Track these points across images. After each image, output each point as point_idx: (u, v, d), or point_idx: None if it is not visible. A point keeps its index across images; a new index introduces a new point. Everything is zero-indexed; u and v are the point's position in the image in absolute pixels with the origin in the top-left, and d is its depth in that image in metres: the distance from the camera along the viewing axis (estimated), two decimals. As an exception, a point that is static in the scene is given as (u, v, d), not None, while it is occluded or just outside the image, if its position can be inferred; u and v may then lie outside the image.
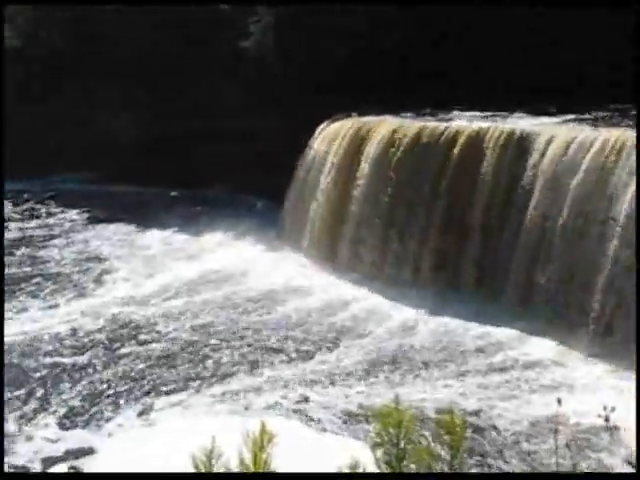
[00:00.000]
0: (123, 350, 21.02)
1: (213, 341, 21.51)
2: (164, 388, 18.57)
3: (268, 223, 31.28)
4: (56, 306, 24.95)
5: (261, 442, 2.18)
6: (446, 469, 2.39)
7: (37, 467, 15.37)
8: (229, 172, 36.00)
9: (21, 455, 15.80)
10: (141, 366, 19.90)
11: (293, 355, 20.41)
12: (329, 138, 28.57)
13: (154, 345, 21.24)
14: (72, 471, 15.13)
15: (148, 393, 18.37)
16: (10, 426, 16.93)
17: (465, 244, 22.73)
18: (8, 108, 44.28)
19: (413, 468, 2.32)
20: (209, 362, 20.07)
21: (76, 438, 16.42)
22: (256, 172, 33.84)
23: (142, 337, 21.88)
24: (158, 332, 22.28)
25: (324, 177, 28.21)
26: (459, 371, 18.62)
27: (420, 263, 23.84)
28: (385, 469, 2.30)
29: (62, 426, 16.99)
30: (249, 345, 21.11)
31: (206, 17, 39.16)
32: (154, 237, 34.26)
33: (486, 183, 22.30)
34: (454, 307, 21.81)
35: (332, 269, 26.59)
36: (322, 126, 29.34)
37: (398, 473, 2.37)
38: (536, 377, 17.92)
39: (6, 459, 15.50)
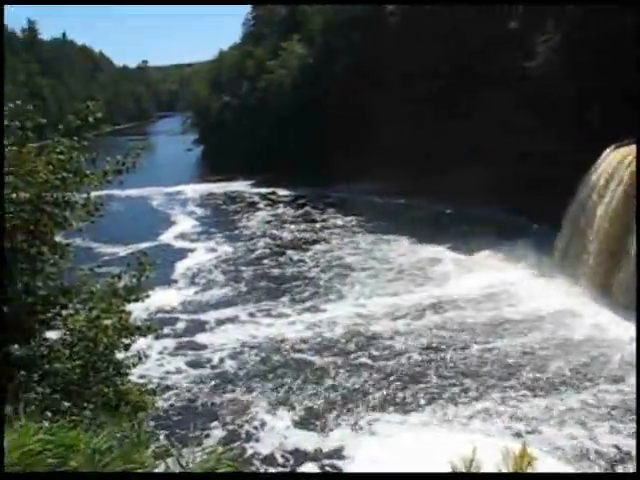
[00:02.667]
0: (355, 361, 21.82)
1: (439, 363, 21.49)
2: (389, 403, 18.98)
3: (542, 247, 30.24)
4: (301, 311, 26.73)
5: (521, 463, 2.21)
6: None
7: (285, 462, 16.39)
8: (503, 192, 35.45)
9: (266, 445, 17.04)
10: (370, 379, 20.50)
11: (526, 389, 19.49)
12: (614, 164, 26.84)
13: (383, 362, 21.72)
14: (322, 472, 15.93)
15: (375, 406, 18.84)
16: (260, 414, 18.55)
17: None
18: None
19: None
20: (431, 383, 20.08)
21: (311, 439, 17.30)
22: (533, 194, 32.89)
23: (373, 352, 22.48)
24: (388, 348, 22.83)
25: (605, 205, 26.58)
26: None
27: None
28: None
29: (297, 424, 18.06)
30: (474, 373, 20.72)
31: (493, 34, 39.04)
32: (407, 250, 35.09)
33: None
34: None
35: (607, 301, 25.03)
36: (607, 151, 27.67)
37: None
38: None
39: (252, 444, 16.93)
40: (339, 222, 43.31)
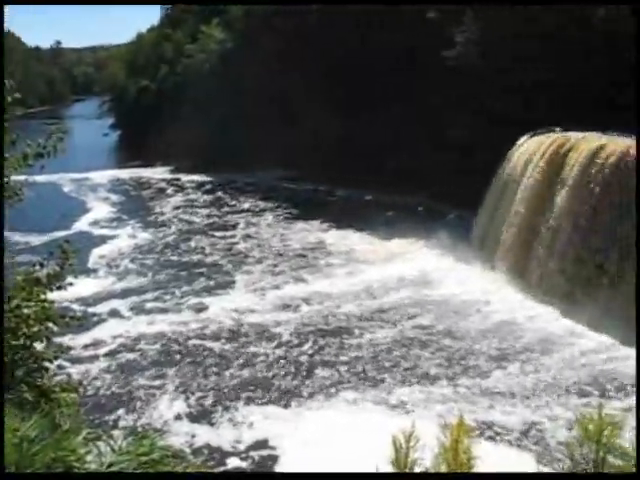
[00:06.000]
0: (250, 351, 21.82)
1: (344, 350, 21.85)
2: (283, 392, 19.16)
3: (461, 233, 31.01)
4: (197, 301, 26.54)
5: (458, 433, 2.32)
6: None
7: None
8: (426, 181, 36.06)
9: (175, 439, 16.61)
10: (263, 368, 20.60)
11: (453, 371, 20.06)
12: (529, 152, 27.74)
13: (273, 351, 21.86)
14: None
15: (269, 395, 19.01)
16: (164, 403, 18.45)
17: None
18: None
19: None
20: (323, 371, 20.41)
21: (206, 428, 17.28)
22: (450, 181, 33.60)
23: (264, 342, 22.50)
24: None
25: (520, 193, 27.45)
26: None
27: (616, 289, 22.32)
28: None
29: (194, 419, 17.90)
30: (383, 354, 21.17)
31: (412, 25, 39.46)
32: (336, 236, 35.47)
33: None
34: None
35: (522, 285, 25.93)
36: (522, 139, 28.54)
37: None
38: None
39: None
40: (245, 206, 44.21)
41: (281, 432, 16.87)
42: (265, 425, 17.29)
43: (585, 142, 25.09)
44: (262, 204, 44.21)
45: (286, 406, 18.26)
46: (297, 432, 16.83)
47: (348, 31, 42.57)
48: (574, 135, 26.16)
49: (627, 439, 2.59)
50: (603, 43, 29.75)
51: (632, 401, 17.37)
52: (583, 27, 30.33)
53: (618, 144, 23.72)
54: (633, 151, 22.51)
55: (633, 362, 19.59)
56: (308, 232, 36.73)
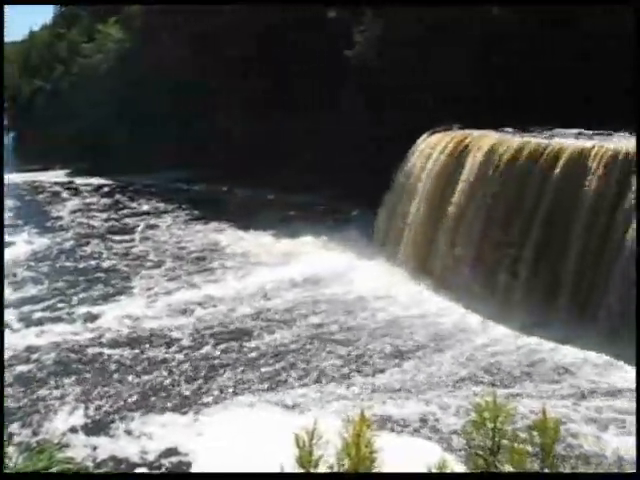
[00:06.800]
0: (146, 356, 21.30)
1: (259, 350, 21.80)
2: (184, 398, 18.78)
3: (363, 231, 31.38)
4: (91, 309, 25.44)
5: (361, 427, 2.34)
6: (537, 468, 2.48)
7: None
8: (328, 179, 36.33)
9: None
10: (164, 375, 20.16)
11: (358, 369, 20.16)
12: (428, 150, 28.43)
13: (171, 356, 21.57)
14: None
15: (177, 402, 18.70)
16: (62, 414, 17.85)
17: (562, 265, 21.98)
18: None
19: (505, 464, 2.43)
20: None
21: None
22: (355, 180, 33.96)
23: (162, 348, 22.00)
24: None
25: (421, 189, 28.10)
26: (538, 392, 18.07)
27: (514, 282, 23.24)
28: (477, 461, 2.42)
29: (93, 431, 17.21)
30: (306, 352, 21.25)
31: (312, 23, 39.74)
32: (234, 237, 35.21)
33: (588, 203, 21.27)
34: (545, 328, 21.19)
35: (424, 280, 26.49)
36: (422, 138, 29.21)
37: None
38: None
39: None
40: (145, 208, 43.57)
41: (182, 439, 16.54)
42: (166, 433, 16.83)
43: (483, 140, 26.04)
44: (162, 206, 43.55)
45: (186, 413, 17.82)
46: (199, 438, 16.55)
47: (262, 32, 42.27)
48: (472, 133, 27.06)
49: (517, 424, 2.72)
50: (501, 43, 30.99)
51: (518, 390, 18.15)
52: (483, 27, 31.50)
53: (512, 141, 24.79)
54: (528, 147, 23.66)
55: (526, 351, 20.49)
56: (206, 234, 36.31)
